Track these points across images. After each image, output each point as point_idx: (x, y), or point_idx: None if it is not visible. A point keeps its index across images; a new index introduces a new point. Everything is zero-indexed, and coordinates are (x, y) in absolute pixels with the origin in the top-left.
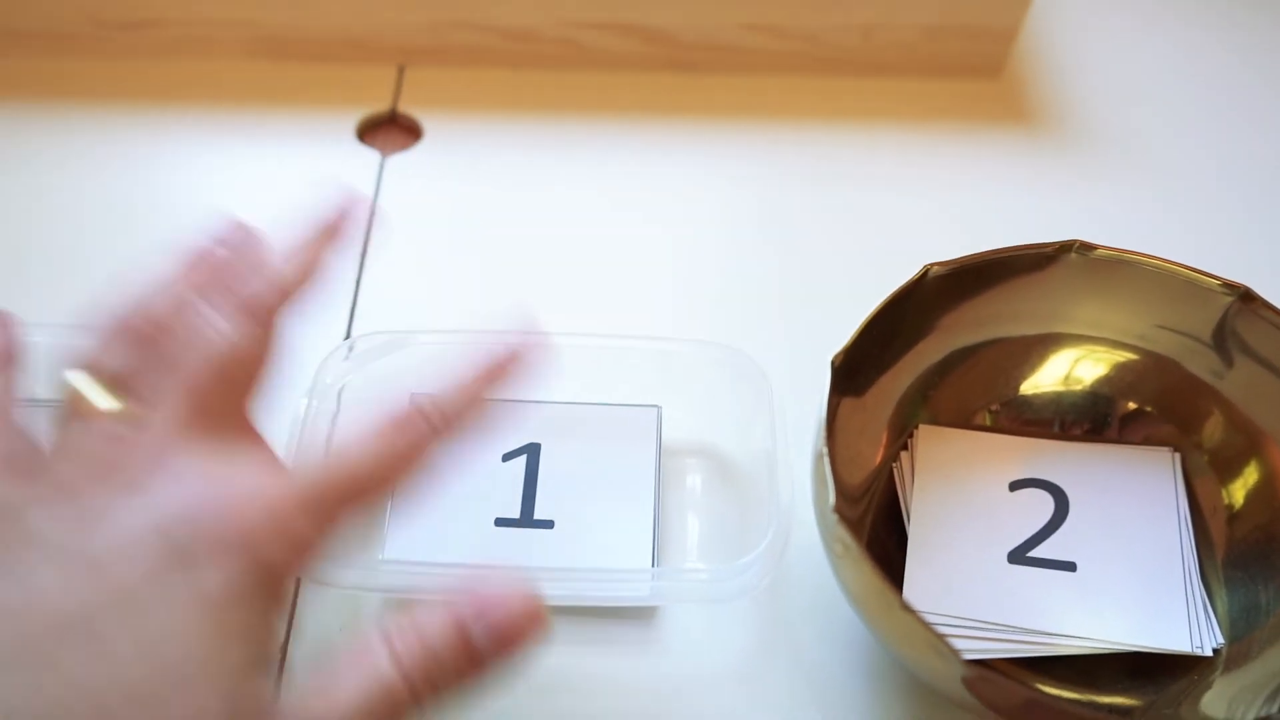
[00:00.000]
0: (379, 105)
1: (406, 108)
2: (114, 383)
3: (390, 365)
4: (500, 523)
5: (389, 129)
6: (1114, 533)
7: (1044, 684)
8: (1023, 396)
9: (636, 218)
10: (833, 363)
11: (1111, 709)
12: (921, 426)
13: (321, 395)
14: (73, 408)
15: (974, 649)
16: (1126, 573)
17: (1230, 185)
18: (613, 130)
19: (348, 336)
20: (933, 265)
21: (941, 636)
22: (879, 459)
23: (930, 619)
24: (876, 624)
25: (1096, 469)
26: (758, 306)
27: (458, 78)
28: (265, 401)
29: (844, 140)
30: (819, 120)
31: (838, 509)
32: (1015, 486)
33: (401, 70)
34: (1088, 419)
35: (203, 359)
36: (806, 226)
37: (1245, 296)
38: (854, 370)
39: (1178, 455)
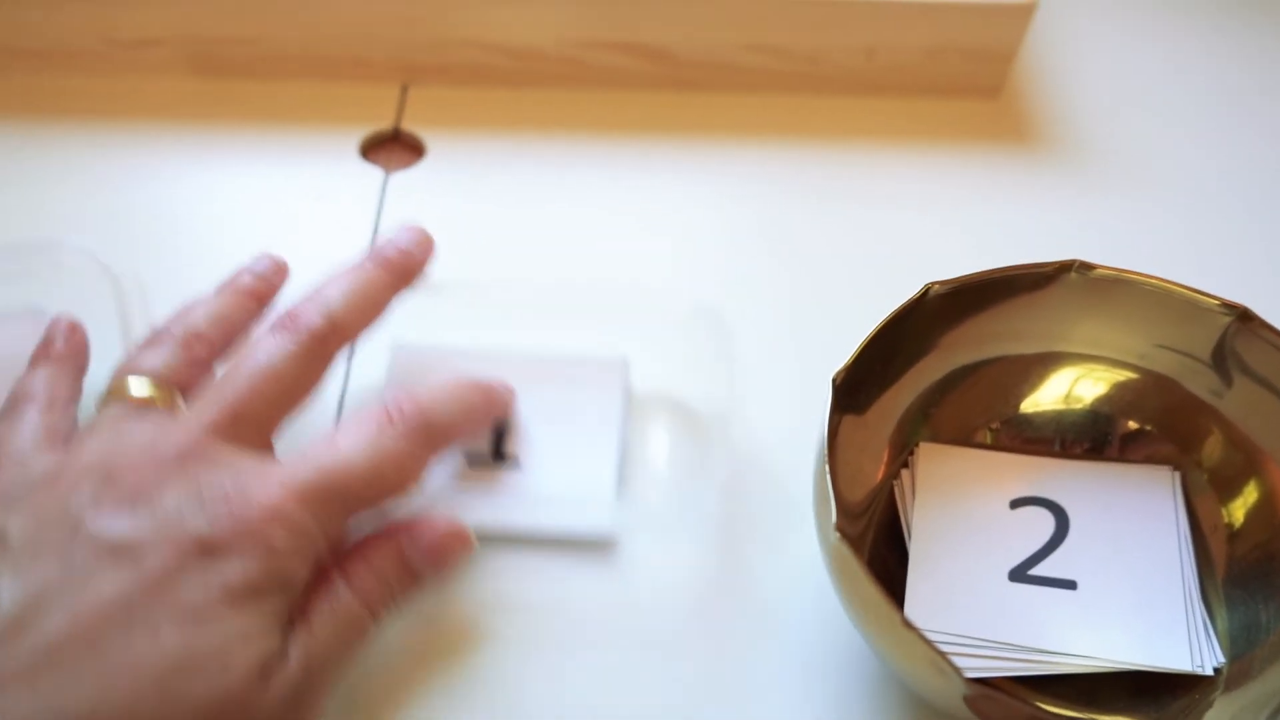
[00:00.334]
0: (382, 123)
1: (410, 126)
2: (158, 381)
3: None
4: (473, 461)
5: (392, 147)
6: (1114, 551)
7: (1045, 702)
8: (1023, 415)
9: (639, 235)
10: (834, 380)
11: None
12: (922, 444)
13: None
14: (113, 393)
15: (975, 667)
16: (1127, 591)
17: (1230, 202)
18: (615, 148)
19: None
20: (934, 284)
21: (943, 654)
22: (880, 476)
23: (931, 636)
24: (877, 641)
25: (1097, 487)
26: (758, 323)
27: (461, 96)
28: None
29: (845, 159)
30: (820, 139)
31: (839, 526)
32: (1016, 504)
33: (405, 89)
34: (1088, 437)
35: (247, 378)
36: (808, 244)
37: (1244, 316)
38: (855, 388)
39: (1178, 474)
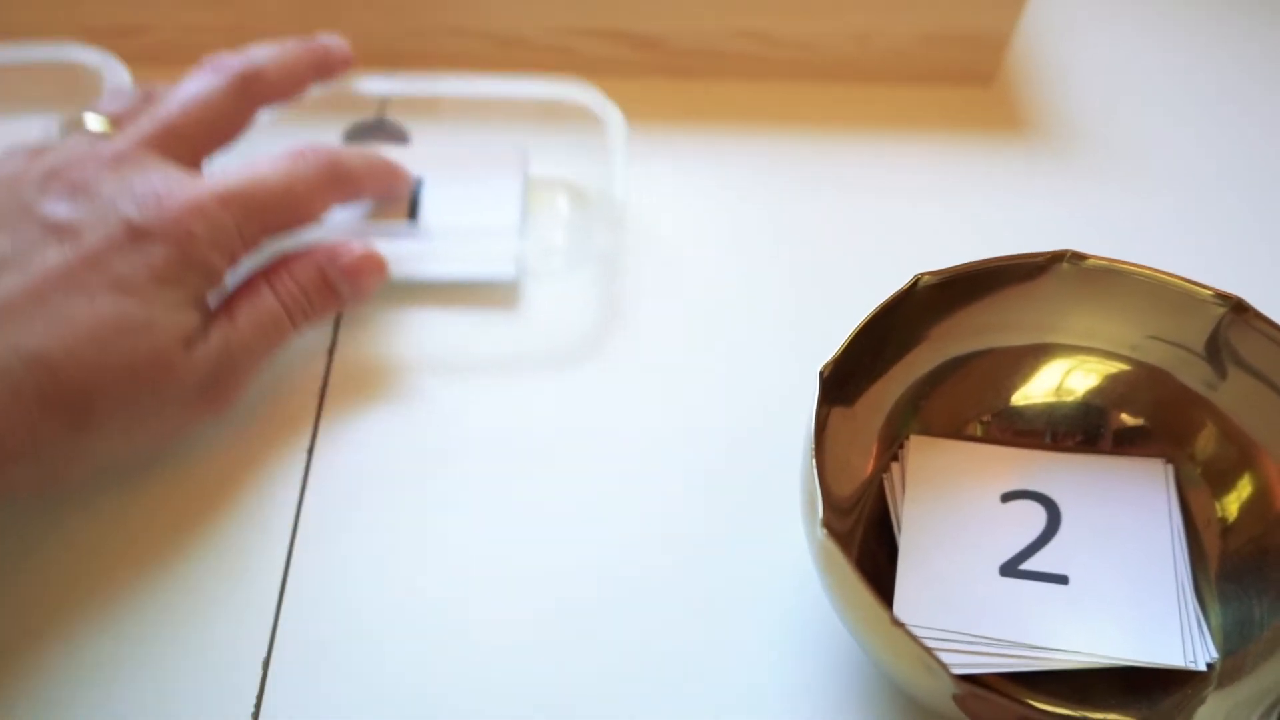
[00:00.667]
0: (366, 111)
1: (394, 114)
2: (113, 119)
3: None
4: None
5: (376, 135)
6: (1107, 545)
7: (1036, 699)
8: (1014, 407)
9: (628, 224)
10: (821, 372)
11: None
12: (912, 437)
13: None
14: (72, 124)
15: (965, 663)
16: (1119, 586)
17: (1225, 192)
18: None
19: (331, 351)
20: (923, 275)
21: (931, 651)
22: (869, 470)
23: (921, 632)
24: (866, 640)
25: (1089, 481)
26: (746, 313)
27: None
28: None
29: (836, 147)
30: (812, 126)
31: (826, 523)
32: (1007, 498)
33: (388, 77)
34: (1080, 430)
35: (179, 102)
36: (797, 234)
37: (1238, 307)
38: (844, 380)
39: (1171, 467)
